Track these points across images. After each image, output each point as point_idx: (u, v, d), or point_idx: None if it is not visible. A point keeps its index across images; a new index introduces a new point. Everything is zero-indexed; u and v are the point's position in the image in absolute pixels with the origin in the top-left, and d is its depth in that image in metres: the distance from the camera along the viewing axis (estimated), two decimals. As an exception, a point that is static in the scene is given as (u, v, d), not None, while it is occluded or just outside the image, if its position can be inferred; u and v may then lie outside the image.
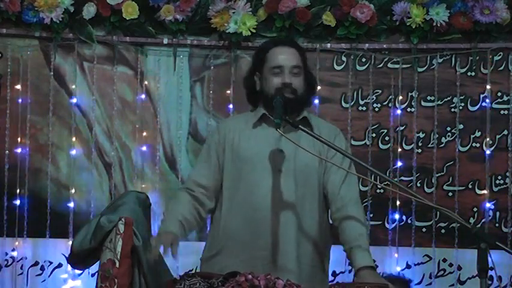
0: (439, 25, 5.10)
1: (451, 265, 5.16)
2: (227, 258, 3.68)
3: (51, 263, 5.17)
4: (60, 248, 5.13)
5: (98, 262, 3.47)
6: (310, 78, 3.86)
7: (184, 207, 3.75)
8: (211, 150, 3.83)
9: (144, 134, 5.23)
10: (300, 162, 3.71)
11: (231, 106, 5.15)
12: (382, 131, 5.23)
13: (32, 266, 5.17)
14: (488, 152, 5.17)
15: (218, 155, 3.80)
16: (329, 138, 3.66)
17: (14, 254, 5.15)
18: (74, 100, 5.21)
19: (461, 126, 5.20)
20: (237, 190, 3.74)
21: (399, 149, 5.20)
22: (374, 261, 3.61)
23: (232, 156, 3.77)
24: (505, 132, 5.19)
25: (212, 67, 5.26)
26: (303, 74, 3.78)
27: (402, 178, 5.16)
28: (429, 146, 5.21)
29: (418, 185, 5.19)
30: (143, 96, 5.24)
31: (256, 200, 3.68)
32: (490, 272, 2.97)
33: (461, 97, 5.21)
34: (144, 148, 5.22)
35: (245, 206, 3.70)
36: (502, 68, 5.22)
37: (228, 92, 5.22)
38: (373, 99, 5.24)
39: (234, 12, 5.12)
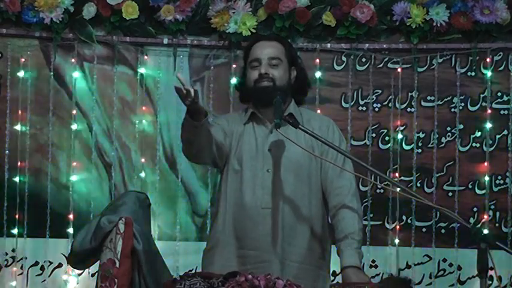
0: (439, 25, 5.10)
1: (451, 265, 5.16)
2: (222, 254, 3.71)
3: (51, 263, 5.17)
4: (60, 248, 5.13)
5: (98, 262, 3.47)
6: (301, 73, 3.83)
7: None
8: (229, 123, 3.80)
9: (144, 133, 5.23)
10: (290, 161, 3.70)
11: (231, 106, 5.15)
12: (382, 131, 5.23)
13: (32, 266, 5.17)
14: (488, 152, 5.17)
15: (227, 134, 3.77)
16: (321, 131, 3.67)
17: (14, 254, 5.15)
18: (74, 100, 5.22)
19: (461, 126, 5.20)
20: (230, 189, 3.76)
21: (399, 149, 5.20)
22: (362, 257, 3.61)
23: (230, 154, 3.79)
24: (505, 132, 5.19)
25: (212, 67, 5.25)
26: (284, 67, 3.75)
27: (402, 178, 5.16)
28: (429, 146, 5.21)
29: (418, 185, 5.19)
30: (143, 96, 5.24)
31: (245, 200, 3.70)
32: (490, 272, 2.97)
33: (461, 97, 5.21)
34: (144, 148, 5.22)
35: (236, 206, 3.73)
36: (502, 68, 5.22)
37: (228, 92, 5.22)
38: (373, 99, 5.24)
39: (234, 12, 5.12)
